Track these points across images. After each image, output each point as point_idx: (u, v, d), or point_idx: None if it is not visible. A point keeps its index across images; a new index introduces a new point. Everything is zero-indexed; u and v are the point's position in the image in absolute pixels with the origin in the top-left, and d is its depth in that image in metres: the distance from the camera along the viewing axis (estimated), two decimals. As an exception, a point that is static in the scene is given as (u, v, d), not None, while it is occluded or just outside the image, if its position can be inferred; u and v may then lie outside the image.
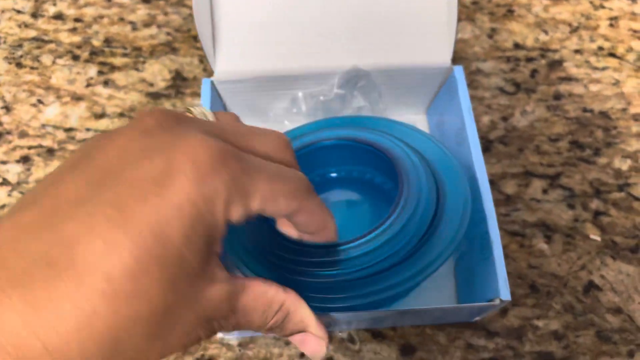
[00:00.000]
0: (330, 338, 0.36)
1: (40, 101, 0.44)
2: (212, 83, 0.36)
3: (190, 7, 0.49)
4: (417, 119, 0.43)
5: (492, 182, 0.41)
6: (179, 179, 0.21)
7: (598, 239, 0.39)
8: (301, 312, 0.28)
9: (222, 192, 0.22)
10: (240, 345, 0.35)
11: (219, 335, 0.34)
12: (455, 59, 0.42)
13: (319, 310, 0.28)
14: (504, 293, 0.30)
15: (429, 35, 0.37)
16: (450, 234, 0.31)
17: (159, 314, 0.22)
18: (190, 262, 0.22)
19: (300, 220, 0.28)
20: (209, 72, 0.46)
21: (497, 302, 0.30)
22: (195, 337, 0.25)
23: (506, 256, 0.38)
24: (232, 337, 0.35)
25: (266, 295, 0.27)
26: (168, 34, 0.48)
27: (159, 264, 0.21)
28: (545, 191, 0.41)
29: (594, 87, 0.46)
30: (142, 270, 0.21)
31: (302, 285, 0.28)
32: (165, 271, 0.21)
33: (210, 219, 0.22)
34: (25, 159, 0.42)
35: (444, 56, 0.37)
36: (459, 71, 0.37)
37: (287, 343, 0.35)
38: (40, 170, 0.41)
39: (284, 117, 0.40)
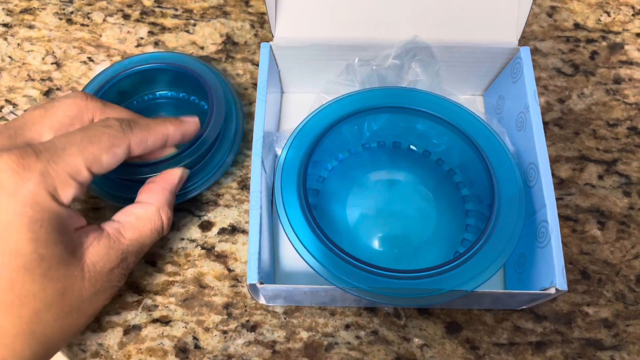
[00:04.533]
0: (376, 312, 0.35)
1: (90, 59, 0.44)
2: (271, 47, 0.36)
3: (242, -29, 0.48)
4: (473, 99, 0.42)
5: (546, 165, 0.40)
6: None
7: (654, 228, 0.38)
8: (174, 181, 0.32)
9: (39, 188, 0.24)
10: (285, 313, 0.35)
11: (264, 302, 0.34)
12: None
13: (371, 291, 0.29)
14: (561, 283, 0.29)
15: (497, 11, 0.35)
16: (507, 232, 0.31)
17: (55, 300, 0.25)
18: (51, 253, 0.24)
19: (142, 153, 0.29)
20: (260, 38, 0.45)
21: (552, 291, 0.29)
22: (107, 292, 0.28)
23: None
24: (278, 305, 0.35)
25: (144, 215, 0.29)
26: (219, -4, 0.47)
27: (26, 269, 0.24)
28: (600, 177, 0.40)
29: (656, 73, 0.44)
30: (14, 281, 0.23)
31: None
32: (35, 272, 0.24)
33: (46, 214, 0.24)
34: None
35: (510, 35, 0.35)
36: (525, 52, 0.35)
37: (333, 314, 0.35)
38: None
39: (338, 85, 0.39)
